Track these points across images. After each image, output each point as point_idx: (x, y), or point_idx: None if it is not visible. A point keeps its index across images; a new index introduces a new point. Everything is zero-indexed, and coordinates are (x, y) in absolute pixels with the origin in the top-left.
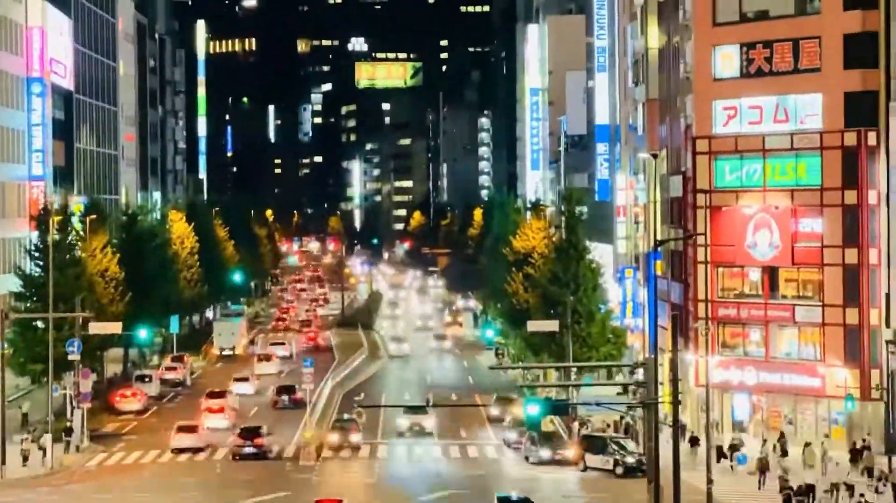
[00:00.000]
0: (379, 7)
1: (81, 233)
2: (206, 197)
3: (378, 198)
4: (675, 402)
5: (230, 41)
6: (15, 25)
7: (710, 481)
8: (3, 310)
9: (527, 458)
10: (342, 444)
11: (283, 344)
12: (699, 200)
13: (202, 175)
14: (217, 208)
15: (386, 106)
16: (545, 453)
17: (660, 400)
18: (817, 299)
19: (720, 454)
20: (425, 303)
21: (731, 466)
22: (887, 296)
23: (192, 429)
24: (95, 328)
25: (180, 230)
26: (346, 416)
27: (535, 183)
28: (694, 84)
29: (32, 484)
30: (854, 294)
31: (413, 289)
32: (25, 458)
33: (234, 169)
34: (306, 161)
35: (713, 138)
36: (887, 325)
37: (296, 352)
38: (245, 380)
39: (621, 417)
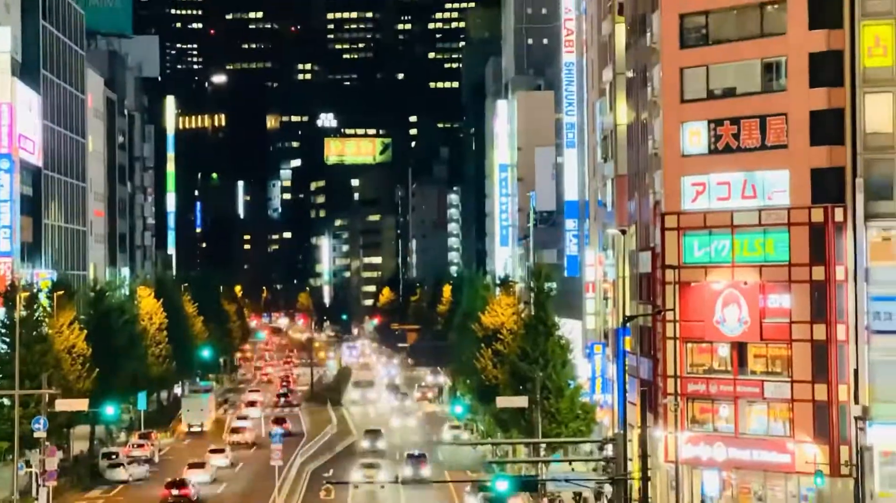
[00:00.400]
0: (348, 83)
1: (49, 309)
2: (174, 272)
3: (347, 273)
4: (645, 478)
5: (200, 117)
6: None
7: None
8: None
9: None
10: None
11: (246, 418)
12: (668, 276)
13: (171, 250)
14: (186, 284)
15: (355, 182)
16: None
17: (629, 476)
18: (786, 375)
19: None
20: (395, 380)
21: None
22: (856, 371)
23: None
24: (62, 405)
25: (149, 306)
26: None
27: (505, 259)
28: (662, 160)
29: None
30: (823, 370)
31: (381, 365)
32: None
33: (204, 244)
34: (276, 237)
35: (682, 214)
36: (856, 401)
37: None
38: (221, 451)
39: (577, 494)
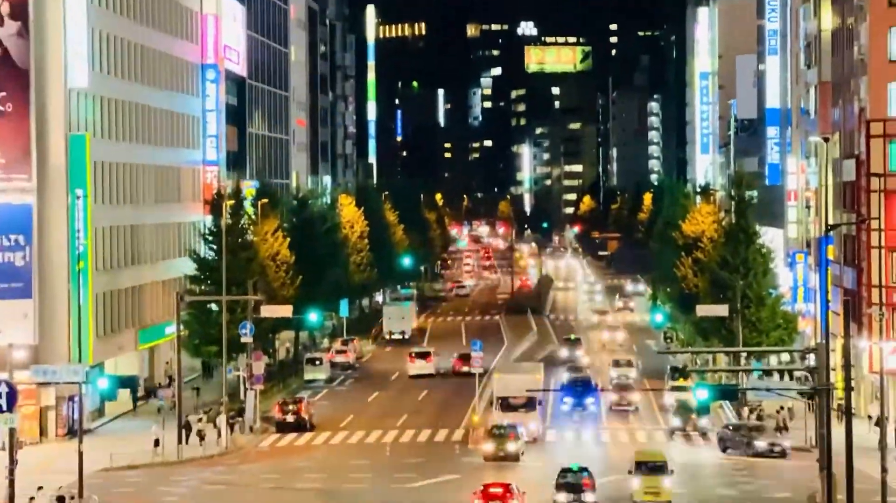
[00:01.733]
0: None
1: (253, 217)
2: (375, 181)
3: (548, 182)
4: (848, 389)
5: (400, 25)
6: (190, 13)
7: (884, 469)
8: (178, 292)
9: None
10: (497, 454)
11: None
12: (873, 184)
13: (372, 159)
14: (387, 192)
15: (555, 90)
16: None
17: (832, 386)
18: None
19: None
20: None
21: None
22: None
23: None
24: (267, 311)
25: (350, 214)
26: (505, 423)
27: (705, 167)
28: (868, 66)
29: (207, 463)
30: None
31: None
32: (202, 438)
33: (404, 153)
34: (476, 145)
35: (888, 121)
36: None
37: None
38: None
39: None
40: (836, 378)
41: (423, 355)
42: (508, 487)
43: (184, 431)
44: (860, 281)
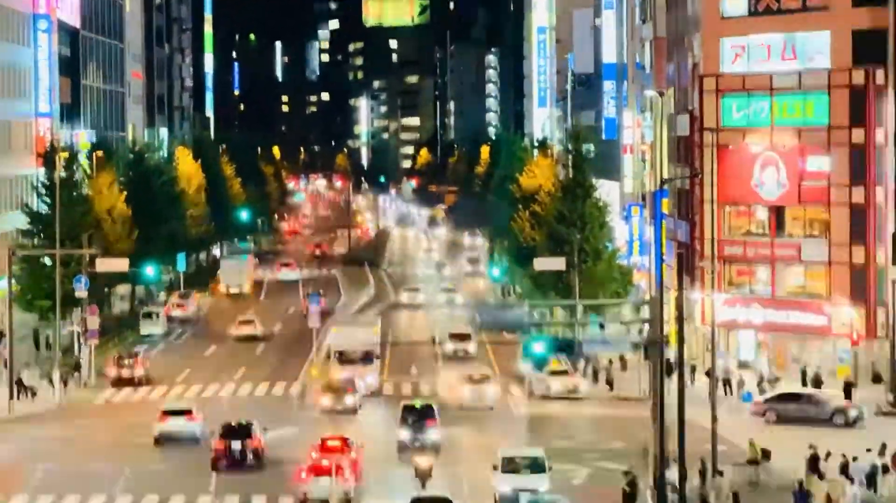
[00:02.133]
0: None
1: (88, 170)
2: (213, 134)
3: (385, 135)
4: (681, 341)
5: None
6: None
7: (714, 419)
8: (10, 246)
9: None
10: (335, 408)
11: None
12: (706, 139)
13: (209, 112)
14: (224, 146)
15: (393, 43)
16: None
17: (665, 338)
18: (824, 238)
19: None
20: (432, 243)
21: (737, 403)
22: (893, 234)
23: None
24: (103, 265)
25: (187, 167)
26: (342, 376)
27: (542, 121)
28: (702, 22)
29: (40, 420)
30: (860, 233)
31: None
32: (34, 394)
33: (242, 106)
34: (313, 99)
35: (720, 77)
36: (893, 264)
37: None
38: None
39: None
40: (670, 330)
41: (248, 322)
42: (346, 441)
43: (16, 387)
44: (693, 234)
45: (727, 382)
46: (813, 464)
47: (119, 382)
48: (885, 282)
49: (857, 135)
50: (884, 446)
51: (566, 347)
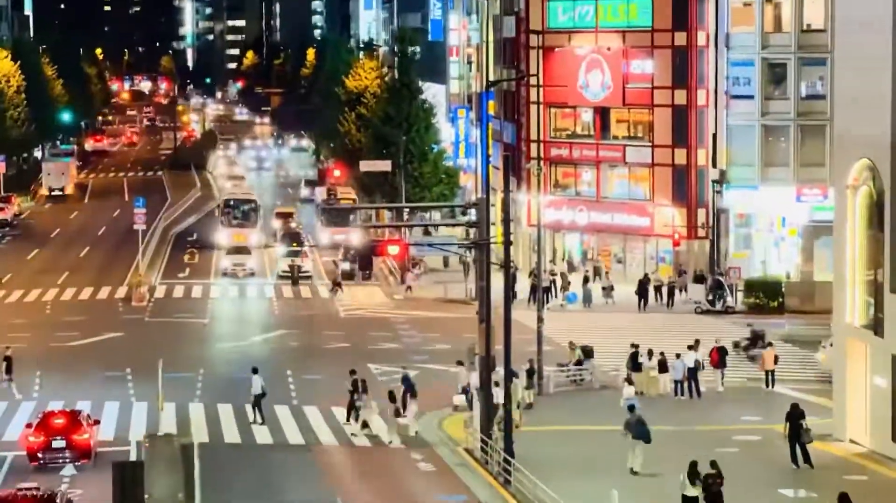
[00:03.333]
0: None
1: None
2: (32, 35)
3: (211, 37)
4: (507, 243)
5: None
6: None
7: (540, 320)
8: None
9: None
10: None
11: None
12: (532, 41)
13: (28, 12)
14: (44, 46)
15: None
16: None
17: (492, 240)
18: (647, 140)
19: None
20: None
21: (561, 304)
22: (714, 136)
23: None
24: None
25: (5, 68)
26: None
27: (369, 23)
28: None
29: None
30: (683, 134)
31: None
32: None
33: (62, 6)
34: None
35: None
36: (713, 165)
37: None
38: None
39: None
40: (496, 232)
41: None
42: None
43: None
44: (519, 136)
45: (552, 284)
46: (633, 360)
47: None
48: (705, 183)
49: (680, 37)
50: (697, 342)
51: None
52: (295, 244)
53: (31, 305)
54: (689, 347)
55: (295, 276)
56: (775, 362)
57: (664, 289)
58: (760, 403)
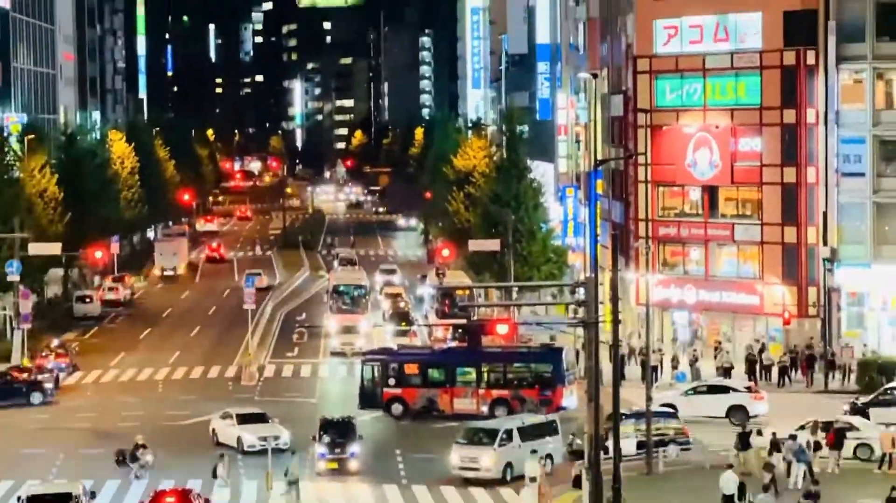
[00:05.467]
0: None
1: (19, 153)
2: (146, 116)
3: (319, 117)
4: (615, 321)
5: None
6: None
7: (649, 398)
8: None
9: None
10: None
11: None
12: (640, 120)
13: (142, 94)
14: (158, 128)
15: (327, 25)
16: None
17: (600, 318)
18: (756, 218)
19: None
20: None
21: (670, 384)
22: (824, 214)
23: None
24: (35, 248)
25: (120, 150)
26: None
27: (477, 102)
28: (635, 3)
29: None
30: (792, 212)
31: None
32: None
33: (175, 88)
34: (247, 80)
35: (654, 58)
36: (824, 243)
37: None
38: None
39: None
40: (605, 311)
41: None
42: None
43: None
44: (627, 215)
45: (661, 363)
46: (743, 440)
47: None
48: (815, 261)
49: (789, 115)
50: (815, 423)
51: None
52: (404, 323)
53: (144, 384)
54: (801, 427)
55: None
56: (893, 445)
57: (774, 369)
58: (878, 484)
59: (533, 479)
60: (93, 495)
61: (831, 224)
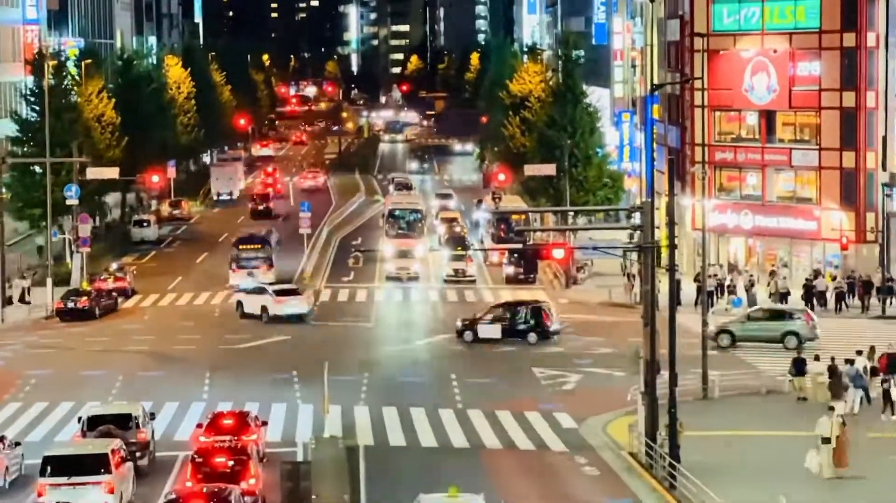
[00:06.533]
0: None
1: (77, 77)
2: (202, 41)
3: (375, 42)
4: (672, 246)
5: None
6: None
7: (704, 323)
8: (0, 154)
9: None
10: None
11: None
12: (696, 44)
13: (198, 19)
14: (213, 53)
15: None
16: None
17: (656, 243)
18: (814, 143)
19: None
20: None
21: (726, 308)
22: (884, 138)
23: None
24: (93, 173)
25: (176, 75)
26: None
27: (532, 27)
28: None
29: (34, 327)
30: (851, 137)
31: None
32: (26, 302)
33: (230, 13)
34: (303, 5)
35: None
36: (884, 168)
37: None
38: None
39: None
40: (661, 235)
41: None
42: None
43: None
44: (684, 139)
45: (717, 288)
46: (798, 365)
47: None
48: (874, 186)
49: (848, 39)
50: (872, 349)
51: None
52: (459, 248)
53: (200, 309)
54: (858, 352)
55: (460, 280)
56: None
57: (830, 294)
58: None
59: (826, 440)
60: (152, 416)
61: (891, 149)
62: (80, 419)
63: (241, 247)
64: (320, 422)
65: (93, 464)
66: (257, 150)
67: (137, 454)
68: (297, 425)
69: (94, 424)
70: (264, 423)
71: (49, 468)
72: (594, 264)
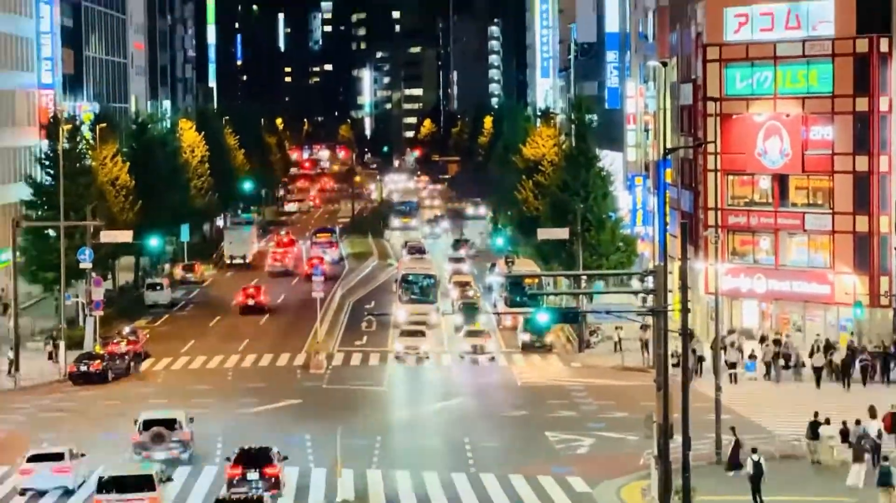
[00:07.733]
0: None
1: (91, 141)
2: (216, 105)
3: (388, 105)
4: (685, 310)
5: None
6: None
7: (718, 388)
8: (14, 218)
9: None
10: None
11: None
12: (709, 108)
13: (212, 83)
14: (227, 117)
15: (396, 14)
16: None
17: (669, 307)
18: (827, 207)
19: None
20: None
21: (732, 375)
22: None
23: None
24: (107, 236)
25: (190, 138)
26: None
27: (545, 90)
28: None
29: (46, 390)
30: (864, 201)
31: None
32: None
33: (244, 77)
34: (316, 69)
35: (724, 46)
36: None
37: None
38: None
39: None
40: (674, 299)
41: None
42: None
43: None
44: (697, 203)
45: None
46: (813, 429)
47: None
48: (888, 250)
49: (861, 103)
50: (872, 408)
51: (570, 317)
52: (477, 324)
53: (214, 372)
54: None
55: (478, 358)
56: None
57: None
58: None
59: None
60: (191, 420)
61: None
62: (135, 422)
63: None
64: (333, 486)
65: (139, 484)
66: (271, 214)
67: (181, 449)
68: (309, 489)
69: (148, 426)
70: (285, 458)
71: (104, 488)
72: (604, 329)
